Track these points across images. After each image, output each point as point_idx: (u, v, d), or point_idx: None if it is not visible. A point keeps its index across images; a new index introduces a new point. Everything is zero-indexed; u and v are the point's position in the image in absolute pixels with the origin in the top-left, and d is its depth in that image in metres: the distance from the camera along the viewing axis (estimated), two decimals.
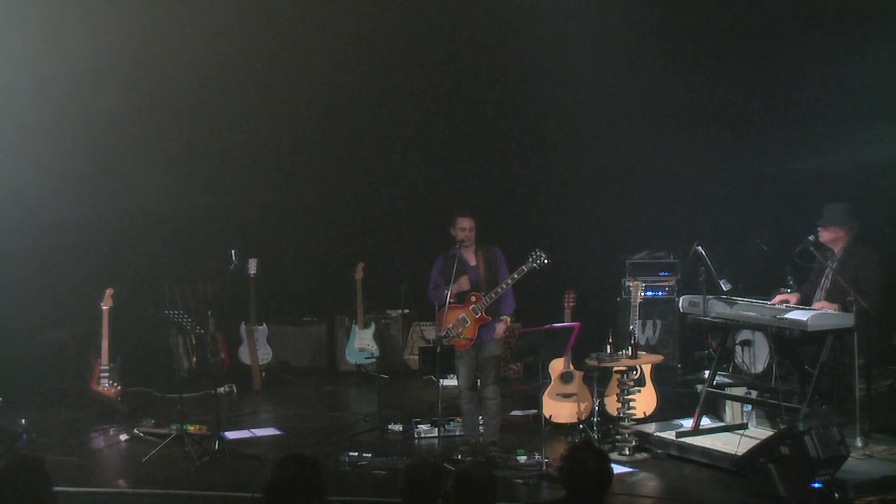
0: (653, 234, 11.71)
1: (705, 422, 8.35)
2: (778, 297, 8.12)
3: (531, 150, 12.24)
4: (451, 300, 7.97)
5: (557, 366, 8.89)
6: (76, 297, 11.33)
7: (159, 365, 11.40)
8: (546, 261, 7.89)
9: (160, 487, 7.60)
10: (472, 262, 8.13)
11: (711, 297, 8.13)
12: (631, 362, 8.37)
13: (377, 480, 7.59)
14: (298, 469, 4.48)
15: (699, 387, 8.63)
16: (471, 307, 7.99)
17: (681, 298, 8.63)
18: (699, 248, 8.18)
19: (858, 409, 7.53)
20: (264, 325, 11.65)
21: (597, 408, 8.62)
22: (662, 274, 11.53)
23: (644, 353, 8.87)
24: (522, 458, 7.87)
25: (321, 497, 4.46)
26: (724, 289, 8.13)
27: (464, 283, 7.99)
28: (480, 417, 8.23)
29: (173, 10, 11.26)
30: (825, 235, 7.91)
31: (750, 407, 8.32)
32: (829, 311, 7.64)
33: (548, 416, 8.60)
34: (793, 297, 8.05)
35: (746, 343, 8.88)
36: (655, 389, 8.74)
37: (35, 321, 11.31)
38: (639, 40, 10.94)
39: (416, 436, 8.86)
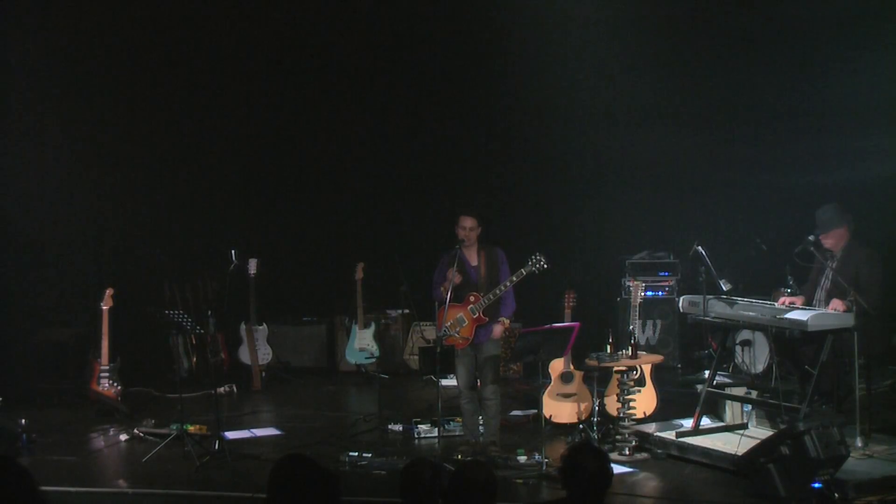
0: (653, 234, 11.71)
1: (705, 422, 8.34)
2: (784, 299, 8.10)
3: (531, 150, 12.24)
4: (451, 298, 7.96)
5: (557, 366, 8.89)
6: (76, 297, 11.33)
7: (159, 365, 11.40)
8: (545, 265, 7.88)
9: (160, 487, 7.60)
10: (474, 262, 8.12)
11: (711, 297, 8.12)
12: (631, 362, 8.37)
13: (377, 480, 7.58)
14: (298, 469, 4.47)
15: (699, 387, 8.63)
16: (469, 307, 7.98)
17: (681, 298, 8.63)
18: (699, 248, 8.17)
19: (858, 409, 7.52)
20: (264, 325, 11.64)
21: (597, 408, 8.62)
22: (662, 274, 11.53)
23: (644, 353, 8.87)
24: (522, 458, 7.87)
25: (321, 497, 4.44)
26: (724, 289, 8.13)
27: (455, 278, 7.94)
28: (480, 417, 8.24)
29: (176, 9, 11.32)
30: (829, 242, 7.89)
31: (750, 407, 8.32)
32: (839, 309, 7.62)
33: (548, 416, 8.60)
34: (798, 300, 8.02)
35: (746, 343, 8.88)
36: (655, 389, 8.73)
37: (35, 321, 11.31)
38: (641, 41, 10.96)
39: (416, 436, 8.86)
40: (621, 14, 11.01)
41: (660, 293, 11.46)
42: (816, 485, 6.69)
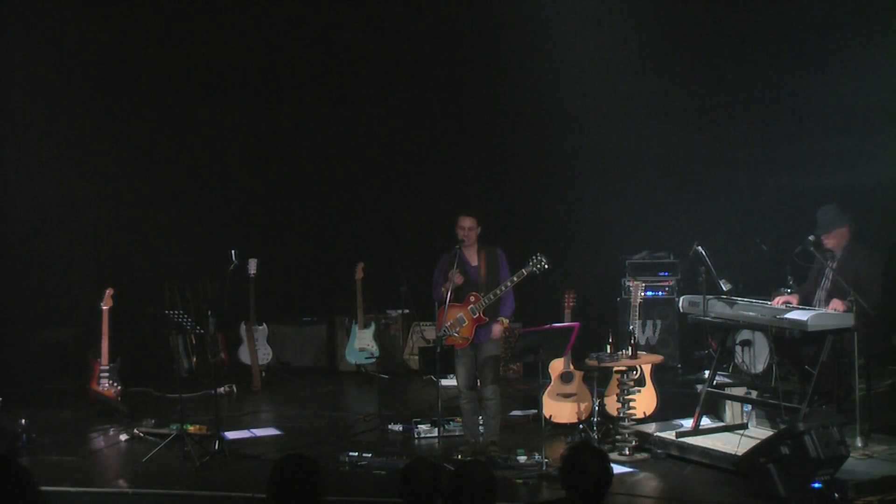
0: (653, 234, 11.71)
1: (705, 422, 8.34)
2: (779, 299, 8.11)
3: (532, 150, 12.24)
4: (451, 298, 7.95)
5: (557, 366, 8.88)
6: (76, 297, 11.32)
7: (159, 365, 11.38)
8: (546, 266, 7.88)
9: (160, 487, 7.60)
10: (474, 263, 8.12)
11: (711, 297, 8.12)
12: (631, 362, 8.37)
13: (377, 480, 7.58)
14: (298, 469, 4.48)
15: (699, 387, 8.62)
16: (469, 307, 7.98)
17: (681, 298, 8.63)
18: (699, 248, 8.17)
19: (858, 409, 7.52)
20: (264, 325, 11.64)
21: (597, 408, 8.62)
22: (662, 274, 11.53)
23: (644, 353, 8.86)
24: (522, 458, 7.86)
25: (321, 497, 4.45)
26: (724, 289, 8.13)
27: (457, 278, 7.95)
28: (480, 417, 8.23)
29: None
30: (830, 242, 7.90)
31: (750, 407, 8.31)
32: (839, 309, 7.62)
33: (548, 416, 8.60)
34: (794, 299, 8.05)
35: (746, 343, 8.86)
36: (655, 389, 8.73)
37: (35, 321, 11.30)
38: (642, 41, 10.96)
39: (416, 436, 8.85)
40: (622, 13, 11.01)
41: (660, 293, 11.46)
42: (816, 485, 6.69)
